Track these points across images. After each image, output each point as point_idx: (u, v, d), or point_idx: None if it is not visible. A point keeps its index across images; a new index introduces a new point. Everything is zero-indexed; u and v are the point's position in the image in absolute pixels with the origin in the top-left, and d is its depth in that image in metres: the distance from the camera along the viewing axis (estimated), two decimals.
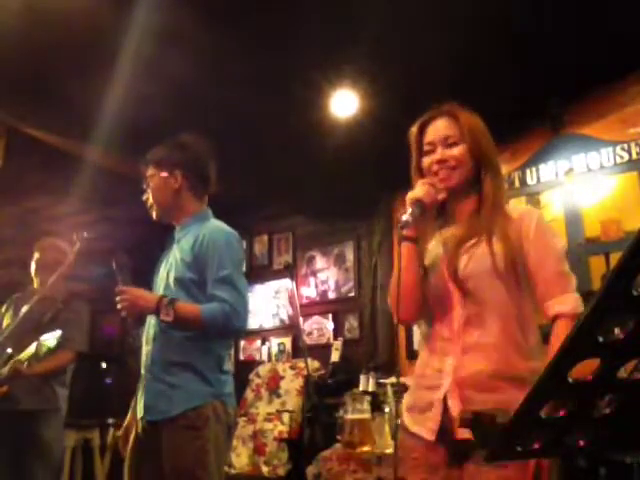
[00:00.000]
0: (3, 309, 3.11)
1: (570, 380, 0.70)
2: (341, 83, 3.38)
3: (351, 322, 4.93)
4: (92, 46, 2.83)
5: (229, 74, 3.20)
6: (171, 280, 1.96)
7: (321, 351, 4.78)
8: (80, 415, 4.09)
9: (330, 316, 5.03)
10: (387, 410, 3.45)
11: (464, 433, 1.14)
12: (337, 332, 4.96)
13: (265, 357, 5.32)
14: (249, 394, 4.61)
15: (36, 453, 2.81)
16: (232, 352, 2.09)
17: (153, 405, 1.88)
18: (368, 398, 3.57)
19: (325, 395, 4.11)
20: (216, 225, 2.04)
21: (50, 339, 2.58)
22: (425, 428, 1.41)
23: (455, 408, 1.36)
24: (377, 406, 3.55)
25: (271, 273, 5.44)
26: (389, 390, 3.62)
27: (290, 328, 5.25)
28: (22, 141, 3.69)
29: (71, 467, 4.25)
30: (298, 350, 5.06)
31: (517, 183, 3.90)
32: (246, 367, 4.92)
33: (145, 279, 2.12)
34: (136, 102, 3.13)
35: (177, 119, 3.11)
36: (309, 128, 3.65)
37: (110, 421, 4.40)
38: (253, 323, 5.53)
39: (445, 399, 1.39)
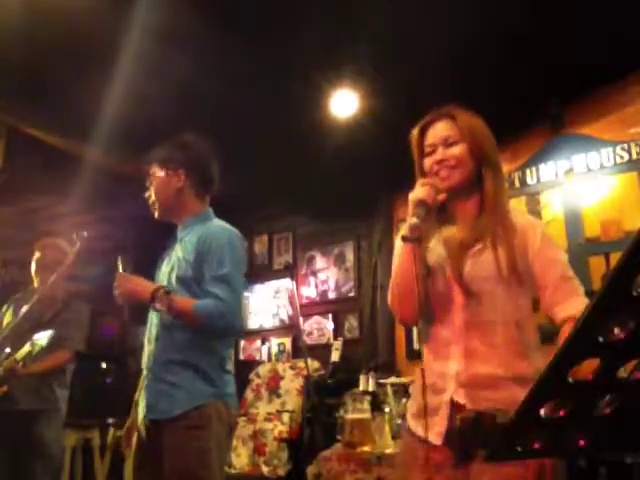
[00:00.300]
0: (3, 309, 3.11)
1: (570, 380, 0.70)
2: (341, 83, 3.38)
3: (351, 322, 4.93)
4: (92, 46, 2.83)
5: (229, 74, 3.20)
6: (173, 278, 1.96)
7: (321, 351, 4.78)
8: (80, 415, 4.09)
9: (330, 316, 5.03)
10: (387, 410, 3.45)
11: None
12: (337, 332, 4.96)
13: (265, 357, 5.32)
14: (249, 394, 4.61)
15: (35, 453, 2.81)
16: (232, 352, 2.08)
17: (155, 405, 1.88)
18: (368, 398, 3.57)
19: (325, 395, 4.11)
20: (220, 224, 2.05)
21: (42, 338, 2.58)
22: (432, 432, 1.40)
23: (461, 410, 1.36)
24: (377, 406, 3.55)
25: (271, 273, 5.44)
26: (389, 390, 3.62)
27: (290, 328, 5.25)
28: (22, 141, 3.69)
29: (71, 467, 4.25)
30: (298, 350, 5.06)
31: (517, 183, 3.90)
32: (246, 367, 4.92)
33: (145, 277, 2.13)
34: (136, 102, 3.13)
35: (177, 119, 3.11)
36: (309, 128, 3.65)
37: (110, 421, 4.40)
38: (253, 323, 5.53)
39: (451, 402, 1.39)
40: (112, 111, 3.19)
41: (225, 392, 1.93)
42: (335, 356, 4.65)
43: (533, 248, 1.43)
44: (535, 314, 1.48)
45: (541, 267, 1.42)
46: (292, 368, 4.57)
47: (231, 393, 1.96)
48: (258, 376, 4.69)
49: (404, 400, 3.42)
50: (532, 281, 1.44)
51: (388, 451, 3.09)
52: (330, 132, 3.68)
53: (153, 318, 1.99)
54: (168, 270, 2.01)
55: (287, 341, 5.26)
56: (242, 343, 5.50)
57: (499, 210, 1.47)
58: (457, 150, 1.50)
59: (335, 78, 3.33)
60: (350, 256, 5.05)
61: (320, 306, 5.14)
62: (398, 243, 1.52)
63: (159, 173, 2.06)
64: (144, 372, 1.98)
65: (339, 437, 3.39)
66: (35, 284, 3.07)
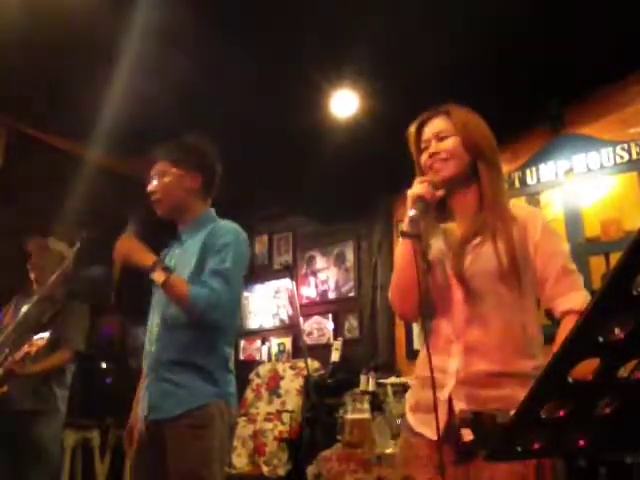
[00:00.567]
0: (4, 310, 3.11)
1: (570, 380, 0.70)
2: (341, 83, 3.38)
3: (351, 322, 4.92)
4: (92, 46, 2.83)
5: (229, 74, 3.20)
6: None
7: (321, 351, 4.78)
8: (80, 415, 4.09)
9: (330, 316, 5.03)
10: (387, 410, 3.46)
11: (468, 435, 1.14)
12: (337, 332, 4.96)
13: (265, 357, 5.32)
14: (249, 394, 4.61)
15: (34, 453, 2.81)
16: (233, 352, 2.08)
17: (158, 405, 1.87)
18: (368, 398, 3.57)
19: (325, 395, 4.11)
20: (228, 223, 2.05)
21: (41, 339, 2.58)
22: (431, 429, 1.40)
23: (460, 407, 1.36)
24: (377, 406, 3.55)
25: (271, 273, 5.44)
26: (389, 390, 3.62)
27: (290, 328, 5.25)
28: (22, 141, 3.69)
29: (71, 467, 4.24)
30: (298, 350, 5.06)
31: (517, 183, 3.90)
32: (246, 367, 4.92)
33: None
34: (136, 102, 3.13)
35: (177, 119, 3.12)
36: (309, 128, 3.65)
37: (110, 421, 4.40)
38: (253, 323, 5.54)
39: (450, 399, 1.39)
40: (112, 111, 3.19)
41: (227, 392, 1.93)
42: (335, 356, 4.65)
43: (534, 240, 1.43)
44: (538, 313, 1.48)
45: (542, 259, 1.42)
46: (292, 368, 4.57)
47: (233, 393, 1.96)
48: (258, 376, 4.69)
49: (404, 400, 3.42)
50: (533, 273, 1.43)
51: (388, 451, 3.09)
52: (330, 132, 3.68)
53: (154, 318, 1.99)
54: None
55: (287, 341, 5.26)
56: (242, 343, 5.50)
57: (497, 203, 1.47)
58: (449, 143, 1.51)
59: (335, 78, 3.33)
60: (350, 256, 5.05)
61: (320, 306, 5.14)
62: (399, 240, 1.53)
63: (172, 171, 2.04)
64: (145, 372, 1.97)
65: (339, 437, 3.39)
66: (35, 285, 3.07)
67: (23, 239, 3.15)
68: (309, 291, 5.25)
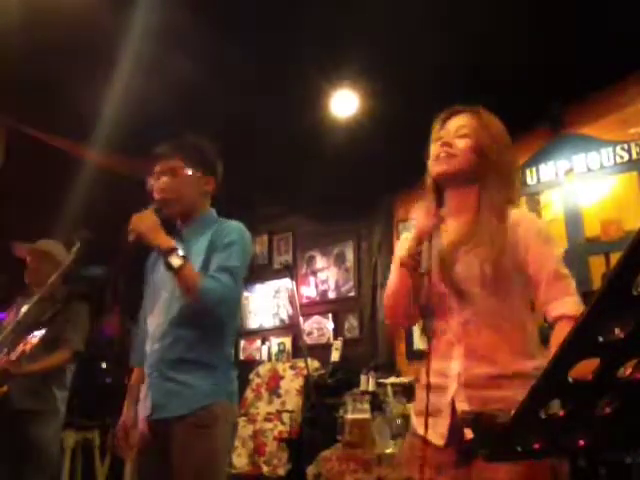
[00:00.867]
0: (7, 310, 3.12)
1: (570, 380, 0.70)
2: (341, 83, 3.39)
3: (351, 322, 4.92)
4: (92, 46, 2.83)
5: (229, 74, 3.20)
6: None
7: (321, 351, 4.78)
8: (80, 415, 4.10)
9: (330, 316, 5.03)
10: (387, 410, 3.45)
11: (471, 434, 1.14)
12: (337, 332, 4.96)
13: (265, 357, 5.32)
14: (249, 394, 4.61)
15: (33, 454, 2.81)
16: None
17: (163, 404, 1.86)
18: (368, 398, 3.57)
19: (325, 395, 4.11)
20: (234, 222, 2.05)
21: (35, 337, 2.58)
22: (435, 433, 1.40)
23: (463, 409, 1.36)
24: (377, 406, 3.56)
25: (271, 273, 5.44)
26: (389, 390, 3.62)
27: (290, 328, 5.25)
28: (22, 141, 3.69)
29: (71, 467, 4.25)
30: (298, 350, 5.06)
31: (517, 183, 3.90)
32: (246, 367, 4.92)
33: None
34: (136, 102, 3.13)
35: (177, 119, 3.12)
36: (309, 128, 3.65)
37: (110, 421, 4.40)
38: (253, 323, 5.54)
39: (453, 403, 1.39)
40: (112, 111, 3.19)
41: (231, 390, 1.94)
42: (335, 356, 4.65)
43: (526, 241, 1.43)
44: (533, 314, 1.48)
45: (534, 263, 1.41)
46: (292, 368, 4.57)
47: (235, 391, 1.97)
48: (258, 376, 4.69)
49: (404, 400, 3.42)
50: (526, 277, 1.43)
51: (388, 451, 3.09)
52: (330, 132, 3.69)
53: (155, 317, 1.98)
54: None
55: (287, 341, 5.26)
56: (242, 343, 5.50)
57: (495, 209, 1.47)
58: (465, 142, 1.50)
59: (335, 78, 3.33)
60: (350, 256, 5.05)
61: (320, 306, 5.14)
62: (399, 247, 1.53)
63: (188, 172, 2.01)
64: (147, 371, 1.95)
65: (339, 437, 3.39)
66: (35, 285, 3.07)
67: (10, 246, 3.15)
68: (309, 291, 5.25)
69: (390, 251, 4.71)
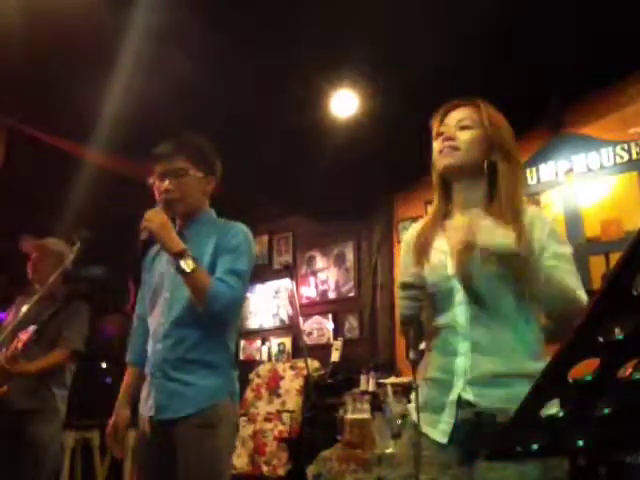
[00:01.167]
0: (8, 310, 3.12)
1: (570, 380, 0.70)
2: (341, 83, 3.39)
3: (351, 322, 4.93)
4: (92, 46, 2.83)
5: (229, 74, 3.20)
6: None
7: (321, 351, 4.78)
8: (80, 415, 4.09)
9: (330, 316, 5.03)
10: (387, 410, 3.45)
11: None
12: (337, 332, 4.96)
13: (265, 357, 5.32)
14: (249, 394, 4.61)
15: (33, 453, 2.80)
16: None
17: (167, 404, 1.86)
18: (368, 398, 3.57)
19: (325, 395, 4.11)
20: (238, 224, 2.04)
21: (25, 332, 2.59)
22: (438, 431, 1.40)
23: (468, 408, 1.35)
24: (377, 406, 3.55)
25: (271, 273, 5.44)
26: (389, 390, 3.62)
27: (290, 328, 5.25)
28: (22, 141, 3.69)
29: (71, 467, 4.25)
30: (298, 350, 5.06)
31: None
32: (246, 367, 4.92)
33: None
34: (136, 102, 3.13)
35: (177, 119, 3.12)
36: (309, 128, 3.65)
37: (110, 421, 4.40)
38: (253, 323, 5.54)
39: (458, 400, 1.38)
40: (112, 111, 3.19)
41: (233, 389, 1.94)
42: (335, 356, 4.65)
43: (541, 245, 1.41)
44: (540, 316, 1.47)
45: (549, 259, 1.40)
46: (292, 368, 4.57)
47: (238, 391, 1.98)
48: (258, 376, 4.69)
49: (404, 400, 3.42)
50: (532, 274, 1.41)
51: (388, 451, 3.09)
52: (330, 132, 3.68)
53: (156, 317, 1.97)
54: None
55: (287, 341, 5.26)
56: (242, 343, 5.50)
57: (513, 195, 1.45)
58: (468, 134, 1.49)
59: (335, 78, 3.33)
60: (350, 256, 5.05)
61: (320, 306, 5.14)
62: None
63: (193, 172, 2.00)
64: (150, 371, 1.95)
65: (339, 437, 3.39)
66: (35, 284, 3.07)
67: (19, 240, 3.14)
68: (309, 291, 5.25)
69: (390, 251, 4.71)
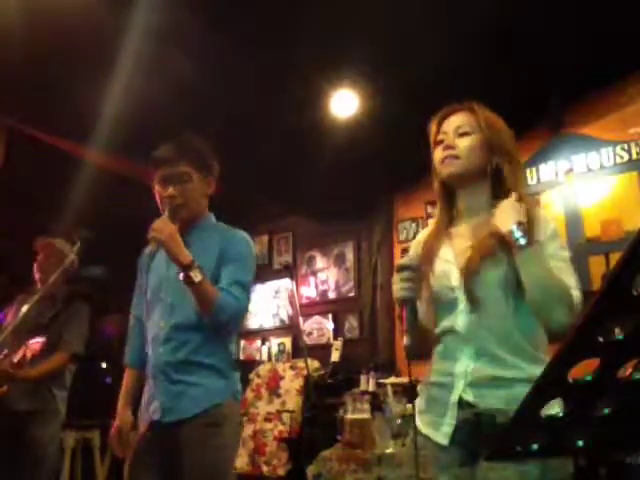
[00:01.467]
0: (6, 310, 3.11)
1: (570, 380, 0.70)
2: (341, 83, 3.39)
3: (351, 322, 4.93)
4: (92, 46, 2.83)
5: (229, 74, 3.20)
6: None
7: (321, 351, 4.78)
8: (80, 415, 4.09)
9: (330, 316, 5.03)
10: (387, 410, 3.45)
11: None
12: (337, 332, 4.96)
13: (265, 357, 5.32)
14: (249, 394, 4.61)
15: (33, 454, 2.80)
16: None
17: (173, 406, 1.86)
18: (368, 398, 3.57)
19: (325, 395, 4.11)
20: (239, 232, 2.04)
21: (36, 342, 2.59)
22: (439, 433, 1.40)
23: (469, 409, 1.36)
24: (377, 406, 3.55)
25: (271, 273, 5.44)
26: (389, 390, 3.62)
27: (290, 328, 5.25)
28: (22, 141, 3.69)
29: (71, 467, 4.25)
30: (298, 350, 5.06)
31: None
32: (246, 367, 4.92)
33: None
34: (136, 102, 3.13)
35: (177, 119, 3.12)
36: (309, 128, 3.65)
37: (110, 421, 4.39)
38: (253, 323, 5.53)
39: (459, 402, 1.38)
40: (112, 111, 3.19)
41: (236, 389, 1.95)
42: (335, 356, 4.65)
43: (539, 240, 1.41)
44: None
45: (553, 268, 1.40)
46: (292, 368, 4.56)
47: (240, 391, 1.99)
48: (258, 376, 4.69)
49: (404, 400, 3.42)
50: None
51: (388, 451, 3.09)
52: (330, 132, 3.68)
53: (156, 320, 1.96)
54: (175, 272, 1.89)
55: (287, 341, 5.26)
56: (242, 343, 5.50)
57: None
58: (468, 141, 1.49)
59: (335, 78, 3.33)
60: (350, 256, 5.05)
61: (320, 306, 5.14)
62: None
63: (196, 176, 1.98)
64: (152, 374, 1.94)
65: (339, 437, 3.39)
66: (36, 284, 3.07)
67: (34, 238, 3.14)
68: (309, 291, 5.25)
69: (390, 251, 4.71)
